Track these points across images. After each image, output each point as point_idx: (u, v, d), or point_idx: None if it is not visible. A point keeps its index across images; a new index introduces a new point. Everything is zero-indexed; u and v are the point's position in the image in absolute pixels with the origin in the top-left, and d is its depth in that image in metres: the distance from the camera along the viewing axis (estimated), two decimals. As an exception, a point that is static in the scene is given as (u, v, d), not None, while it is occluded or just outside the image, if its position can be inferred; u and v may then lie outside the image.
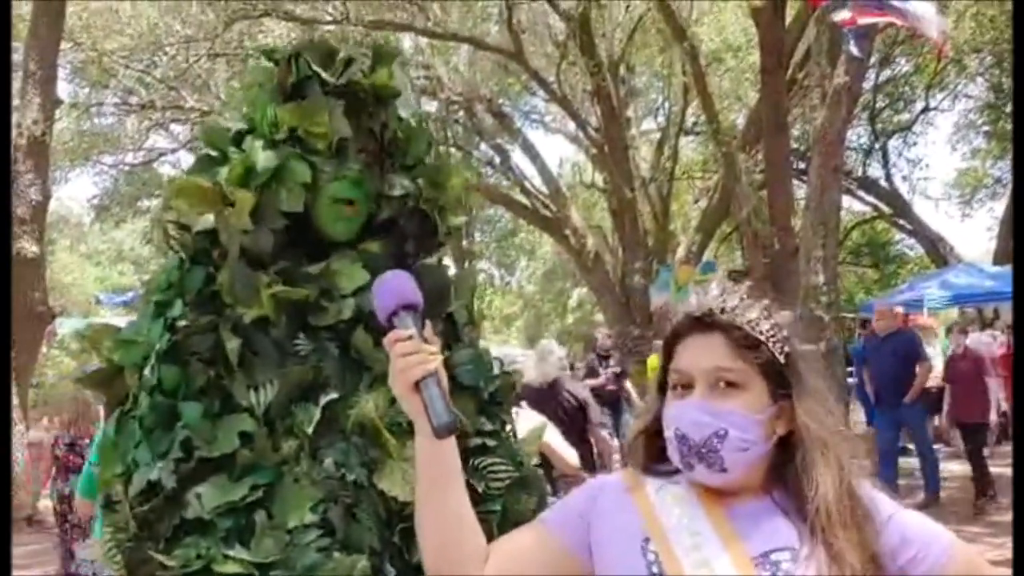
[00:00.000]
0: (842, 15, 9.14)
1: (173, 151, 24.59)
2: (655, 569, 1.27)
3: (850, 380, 13.07)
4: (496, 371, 2.06)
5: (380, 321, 1.40)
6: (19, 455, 11.83)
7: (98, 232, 34.36)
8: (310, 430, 1.80)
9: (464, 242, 26.06)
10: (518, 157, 23.10)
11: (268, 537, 1.73)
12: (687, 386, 1.33)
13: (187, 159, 26.38)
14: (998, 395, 11.76)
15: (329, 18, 18.17)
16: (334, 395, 1.84)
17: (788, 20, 15.09)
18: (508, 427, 2.07)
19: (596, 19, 19.16)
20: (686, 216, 26.53)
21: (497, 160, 23.10)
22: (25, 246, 11.49)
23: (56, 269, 29.54)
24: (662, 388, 1.40)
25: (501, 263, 35.49)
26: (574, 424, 6.08)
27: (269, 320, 1.88)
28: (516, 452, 2.02)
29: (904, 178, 27.56)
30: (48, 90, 11.87)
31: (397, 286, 1.40)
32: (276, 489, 1.78)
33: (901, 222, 26.18)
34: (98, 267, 36.90)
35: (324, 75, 1.95)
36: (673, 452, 1.33)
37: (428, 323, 1.39)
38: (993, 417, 8.93)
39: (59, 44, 12.57)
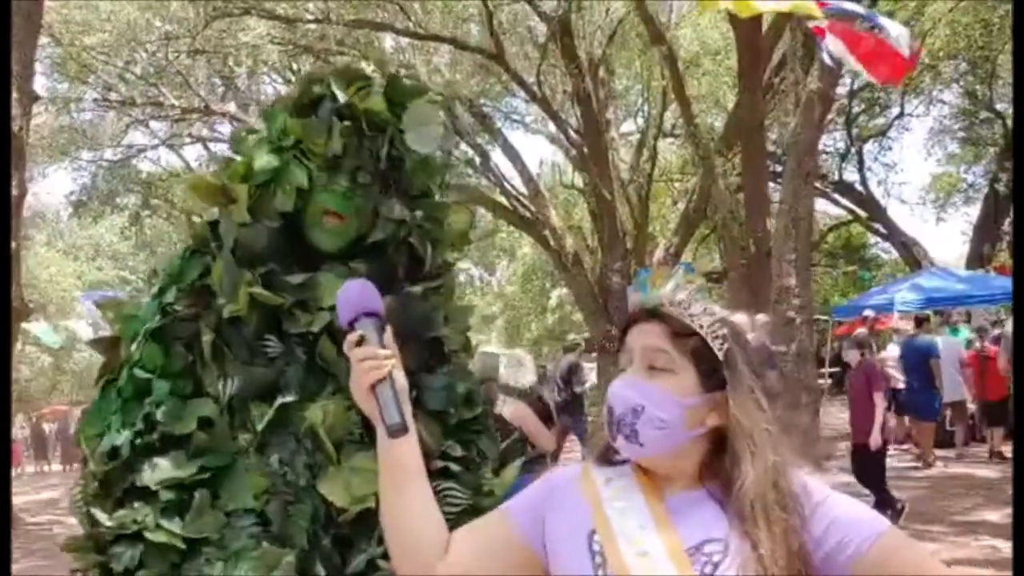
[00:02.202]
0: (816, 23, 9.27)
1: (153, 147, 24.51)
2: (598, 559, 1.35)
3: (820, 382, 13.22)
4: (476, 400, 2.17)
5: (342, 326, 1.48)
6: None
7: (76, 228, 34.11)
8: (260, 427, 1.93)
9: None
10: (498, 157, 23.19)
11: (208, 516, 1.87)
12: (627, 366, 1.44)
13: (166, 155, 26.35)
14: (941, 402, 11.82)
15: (310, 17, 18.15)
16: (290, 398, 1.96)
17: (765, 25, 15.24)
18: (486, 454, 2.17)
19: (576, 21, 19.25)
20: (664, 218, 26.68)
21: (477, 160, 23.14)
22: (1, 241, 11.42)
23: (33, 265, 29.30)
24: None
25: (481, 263, 35.52)
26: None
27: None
28: (482, 482, 2.11)
29: (879, 182, 27.89)
30: (26, 86, 11.80)
31: (358, 294, 1.48)
32: (227, 474, 1.91)
33: (876, 226, 26.47)
34: (76, 262, 36.62)
35: (338, 94, 2.10)
36: (605, 425, 1.42)
37: (388, 330, 1.47)
38: (876, 438, 8.16)
39: (37, 39, 12.51)
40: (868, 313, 14.48)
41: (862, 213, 26.19)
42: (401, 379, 1.45)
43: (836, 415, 15.33)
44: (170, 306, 2.05)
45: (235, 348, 2.00)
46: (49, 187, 61.85)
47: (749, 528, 1.30)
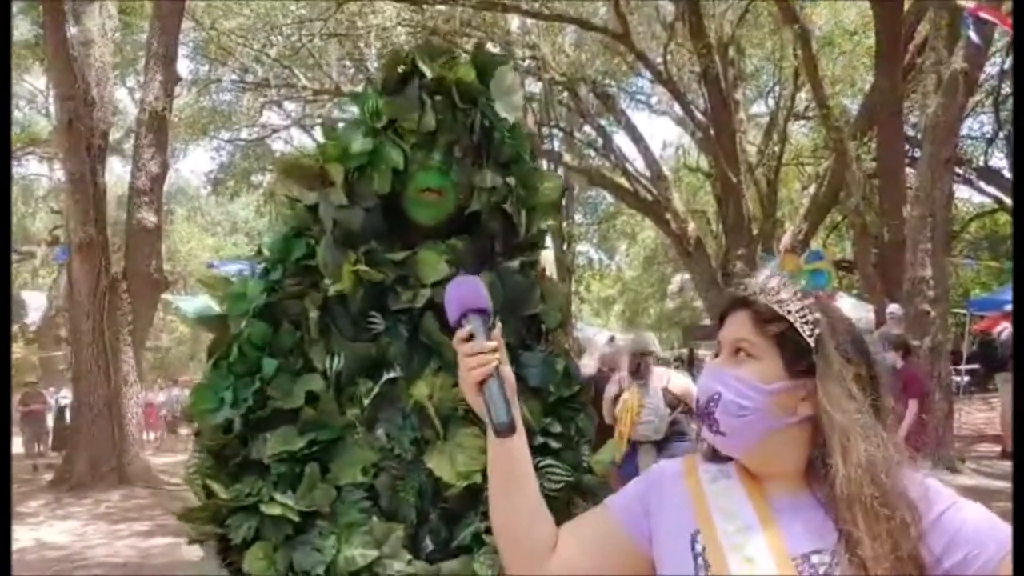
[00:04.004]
0: (965, 1, 8.79)
1: (286, 128, 25.35)
2: (700, 562, 1.30)
3: (956, 379, 12.56)
4: (574, 378, 2.16)
5: (451, 322, 1.47)
6: (132, 415, 12.45)
7: (214, 204, 35.70)
8: (366, 401, 1.95)
9: (564, 223, 26.04)
10: (621, 139, 22.93)
11: (319, 489, 1.91)
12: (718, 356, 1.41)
13: (299, 136, 27.22)
14: None
15: (438, -2, 18.35)
16: (394, 374, 1.97)
17: (907, 3, 14.51)
18: (583, 432, 2.16)
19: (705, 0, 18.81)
20: (793, 203, 25.85)
21: (599, 142, 22.95)
22: (144, 216, 12.04)
23: (175, 239, 30.84)
24: None
25: (601, 246, 35.32)
26: None
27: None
28: (582, 459, 2.10)
29: (1031, 169, 26.16)
30: (169, 68, 12.38)
31: (466, 291, 1.46)
32: (336, 448, 1.95)
33: (1024, 215, 24.90)
34: (214, 237, 38.35)
35: (424, 69, 2.11)
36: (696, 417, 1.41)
37: (498, 327, 1.45)
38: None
39: (180, 25, 13.07)
40: (1009, 308, 13.64)
41: (1009, 202, 24.68)
42: (509, 375, 1.42)
43: (977, 414, 14.56)
44: (277, 284, 2.10)
45: (341, 325, 2.04)
46: (191, 165, 65.06)
47: (849, 528, 1.22)
